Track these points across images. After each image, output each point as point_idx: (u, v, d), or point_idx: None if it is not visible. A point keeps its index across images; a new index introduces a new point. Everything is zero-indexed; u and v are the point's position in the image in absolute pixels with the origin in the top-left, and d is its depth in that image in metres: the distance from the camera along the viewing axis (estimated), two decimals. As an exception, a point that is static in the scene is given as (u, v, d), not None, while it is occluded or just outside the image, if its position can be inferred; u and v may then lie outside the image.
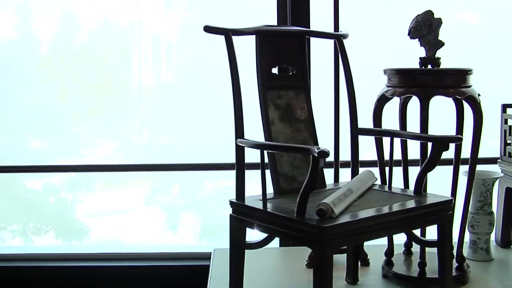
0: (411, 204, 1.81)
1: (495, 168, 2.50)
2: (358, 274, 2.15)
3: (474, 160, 2.12)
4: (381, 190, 1.98)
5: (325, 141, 2.41)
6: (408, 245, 2.32)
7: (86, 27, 3.32)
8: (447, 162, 2.41)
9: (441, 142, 1.85)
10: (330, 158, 2.42)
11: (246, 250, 1.88)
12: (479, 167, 2.52)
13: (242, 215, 1.84)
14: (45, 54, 3.40)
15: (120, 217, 4.12)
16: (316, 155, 1.57)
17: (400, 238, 2.30)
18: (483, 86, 3.02)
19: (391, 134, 2.02)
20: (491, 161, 2.57)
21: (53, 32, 3.33)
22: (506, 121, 2.46)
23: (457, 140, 1.87)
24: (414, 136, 1.95)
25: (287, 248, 2.63)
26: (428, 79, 2.07)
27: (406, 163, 2.21)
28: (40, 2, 3.22)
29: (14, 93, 3.47)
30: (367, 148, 2.42)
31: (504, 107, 2.48)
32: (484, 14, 3.11)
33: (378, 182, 2.08)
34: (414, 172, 2.08)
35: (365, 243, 2.33)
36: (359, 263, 2.31)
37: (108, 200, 4.12)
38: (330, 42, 2.28)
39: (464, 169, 2.24)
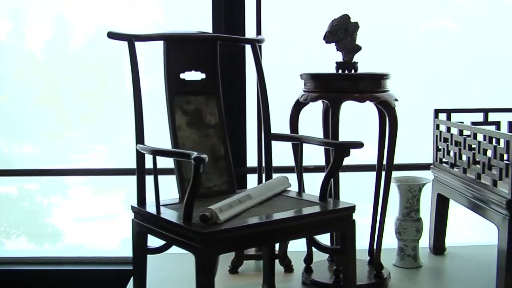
0: (310, 210, 1.79)
1: (428, 174, 2.47)
2: (274, 281, 2.12)
3: (390, 166, 2.10)
4: (289, 196, 1.96)
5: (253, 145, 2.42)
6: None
7: (79, 33, 3.34)
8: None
9: (342, 148, 1.83)
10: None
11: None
12: (411, 173, 2.50)
13: (142, 220, 1.84)
14: (38, 58, 3.43)
15: (98, 222, 4.15)
16: (192, 161, 1.57)
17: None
18: (463, 90, 3.01)
19: (299, 140, 2.00)
20: (425, 167, 2.54)
21: (46, 38, 3.36)
22: (438, 127, 2.42)
23: (358, 145, 1.84)
24: (319, 142, 1.93)
25: None
26: (341, 84, 2.05)
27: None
28: (33, 7, 3.24)
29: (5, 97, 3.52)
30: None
31: (436, 112, 2.44)
32: (462, 21, 3.09)
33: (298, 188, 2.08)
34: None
35: (291, 249, 2.34)
36: (284, 270, 2.32)
37: (86, 205, 4.15)
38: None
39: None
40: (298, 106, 2.11)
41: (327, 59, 2.20)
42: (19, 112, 3.67)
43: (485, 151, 2.05)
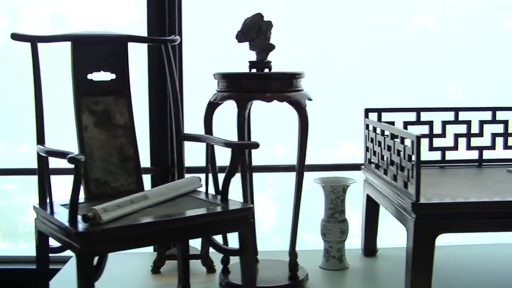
0: (203, 211, 1.78)
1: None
2: (189, 281, 2.11)
3: (301, 166, 2.07)
4: (195, 197, 1.95)
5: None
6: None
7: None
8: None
9: (238, 148, 1.82)
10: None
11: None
12: (345, 173, 2.47)
13: (41, 220, 1.85)
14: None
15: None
16: (67, 161, 1.57)
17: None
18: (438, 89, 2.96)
19: (204, 140, 1.99)
20: (358, 167, 2.50)
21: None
22: (367, 127, 2.39)
23: (253, 146, 1.82)
24: (220, 143, 1.91)
25: (143, 253, 2.55)
26: (251, 84, 2.04)
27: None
28: (30, 6, 3.26)
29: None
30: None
31: (367, 111, 2.40)
32: (440, 20, 3.04)
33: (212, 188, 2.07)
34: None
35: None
36: (206, 270, 2.31)
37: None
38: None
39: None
40: (211, 106, 2.10)
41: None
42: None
43: (399, 151, 2.01)
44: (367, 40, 2.84)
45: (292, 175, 2.22)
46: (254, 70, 2.09)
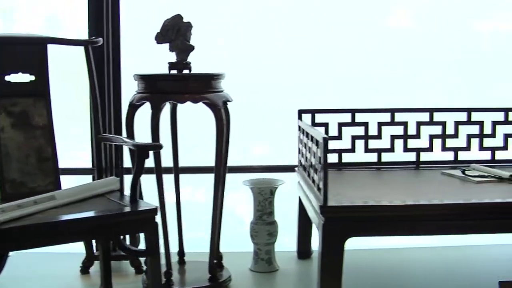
0: (102, 212, 1.77)
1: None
2: (111, 282, 2.11)
3: (219, 168, 2.06)
4: (109, 198, 1.94)
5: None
6: (180, 253, 2.28)
7: (71, 31, 3.33)
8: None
9: (141, 150, 1.82)
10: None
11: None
12: (272, 175, 2.44)
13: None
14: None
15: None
16: (-45, 162, 1.59)
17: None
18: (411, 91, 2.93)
19: (115, 141, 2.00)
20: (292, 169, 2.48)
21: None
22: (300, 128, 2.36)
23: (157, 147, 1.82)
24: (128, 144, 1.90)
25: (75, 253, 2.51)
26: (167, 85, 2.04)
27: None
28: (24, 5, 3.28)
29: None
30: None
31: (300, 113, 2.38)
32: (418, 19, 3.01)
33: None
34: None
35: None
36: (135, 271, 2.31)
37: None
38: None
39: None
40: (131, 108, 2.09)
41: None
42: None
43: (314, 153, 1.99)
44: (355, 40, 2.83)
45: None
46: (174, 71, 2.10)
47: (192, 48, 2.08)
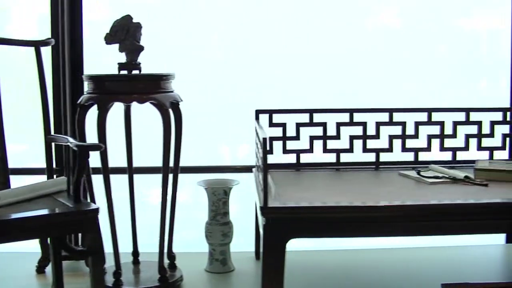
0: (46, 212, 1.78)
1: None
2: (62, 281, 2.12)
3: (166, 168, 2.05)
4: (54, 198, 1.94)
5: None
6: (134, 254, 2.28)
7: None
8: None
9: (82, 150, 1.82)
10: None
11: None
12: (240, 176, 2.43)
13: None
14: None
15: None
16: None
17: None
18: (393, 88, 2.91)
19: (61, 142, 2.00)
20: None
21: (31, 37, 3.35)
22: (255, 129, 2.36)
23: (97, 148, 1.82)
24: (72, 144, 1.90)
25: (32, 252, 2.51)
26: (116, 85, 2.04)
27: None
28: (18, 5, 3.27)
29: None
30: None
31: (257, 113, 2.37)
32: (405, 18, 2.99)
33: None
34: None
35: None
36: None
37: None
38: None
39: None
40: (81, 109, 2.09)
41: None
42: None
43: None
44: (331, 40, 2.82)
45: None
46: (124, 72, 2.10)
47: (141, 48, 2.08)
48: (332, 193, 2.02)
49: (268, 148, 2.26)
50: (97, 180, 2.66)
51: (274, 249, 1.82)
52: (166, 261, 2.20)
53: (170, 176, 2.13)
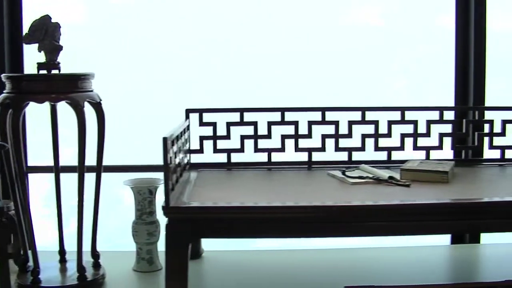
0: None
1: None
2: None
3: (81, 167, 2.05)
4: (-30, 197, 1.99)
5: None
6: (60, 253, 2.29)
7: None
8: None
9: (-14, 149, 1.83)
10: None
11: None
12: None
13: None
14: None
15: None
16: None
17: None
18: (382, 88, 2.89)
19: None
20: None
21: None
22: (188, 128, 2.35)
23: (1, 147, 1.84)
24: (-15, 144, 1.93)
25: None
26: (32, 85, 2.04)
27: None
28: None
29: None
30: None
31: (187, 112, 2.36)
32: (387, 17, 2.97)
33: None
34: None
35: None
36: (18, 269, 2.33)
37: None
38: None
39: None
40: (3, 109, 2.11)
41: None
42: None
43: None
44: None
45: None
46: (44, 72, 2.10)
47: (60, 48, 2.08)
48: (248, 193, 2.01)
49: (191, 147, 2.31)
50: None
51: (176, 249, 1.81)
52: (90, 260, 2.21)
53: (93, 175, 2.15)
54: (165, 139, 1.78)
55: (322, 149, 2.39)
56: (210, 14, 2.77)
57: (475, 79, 2.58)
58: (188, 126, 2.35)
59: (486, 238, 2.67)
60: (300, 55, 2.80)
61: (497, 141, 2.46)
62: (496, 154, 2.48)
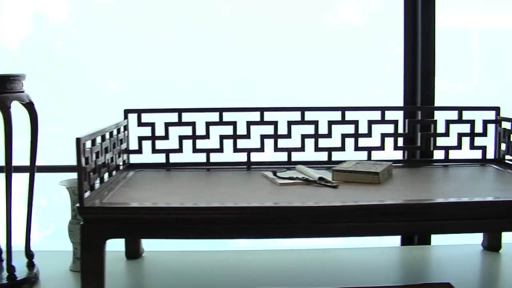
0: None
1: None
2: None
3: (8, 167, 2.07)
4: None
5: None
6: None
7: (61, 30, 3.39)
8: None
9: None
10: None
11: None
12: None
13: None
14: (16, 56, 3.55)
15: None
16: None
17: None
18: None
19: None
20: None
21: (24, 35, 3.40)
22: (125, 128, 2.34)
23: None
24: None
25: None
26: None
27: None
28: (11, 3, 3.35)
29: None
30: None
31: (126, 112, 2.36)
32: (367, 16, 2.95)
33: None
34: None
35: None
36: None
37: None
38: None
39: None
40: None
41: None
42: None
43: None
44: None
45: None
46: (-25, 73, 2.13)
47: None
48: (174, 194, 2.00)
49: (128, 147, 2.27)
50: None
51: (91, 249, 1.82)
52: (25, 260, 2.23)
53: (26, 175, 2.17)
54: (78, 140, 1.79)
55: (261, 149, 2.38)
56: (194, 14, 2.77)
57: (422, 78, 2.55)
58: (126, 126, 2.36)
59: (436, 239, 2.64)
60: (282, 55, 2.79)
61: (441, 141, 2.43)
62: (441, 154, 2.45)
